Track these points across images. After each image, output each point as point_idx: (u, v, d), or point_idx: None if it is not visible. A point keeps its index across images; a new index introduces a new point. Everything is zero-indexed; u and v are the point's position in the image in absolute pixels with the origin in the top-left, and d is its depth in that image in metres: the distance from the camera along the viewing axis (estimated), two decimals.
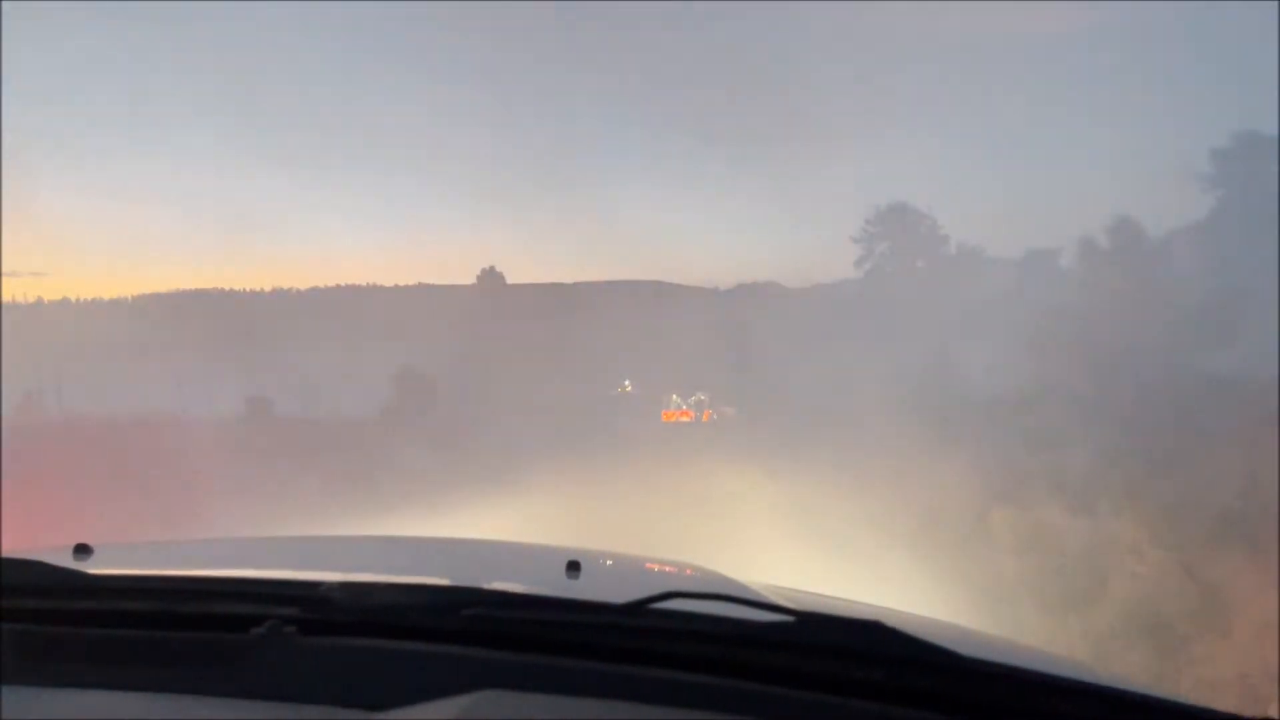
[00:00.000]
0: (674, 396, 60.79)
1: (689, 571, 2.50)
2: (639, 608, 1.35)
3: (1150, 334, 7.29)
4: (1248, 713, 1.25)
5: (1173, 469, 6.86)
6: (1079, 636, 6.06)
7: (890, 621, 1.30)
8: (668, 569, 2.59)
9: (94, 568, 1.61)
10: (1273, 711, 4.51)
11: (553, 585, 1.84)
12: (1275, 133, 41.98)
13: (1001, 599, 7.30)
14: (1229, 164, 45.61)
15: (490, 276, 36.58)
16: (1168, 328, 7.34)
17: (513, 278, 37.26)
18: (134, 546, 2.36)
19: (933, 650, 1.24)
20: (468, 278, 37.34)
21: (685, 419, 56.82)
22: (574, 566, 1.86)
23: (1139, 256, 7.68)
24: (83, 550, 1.82)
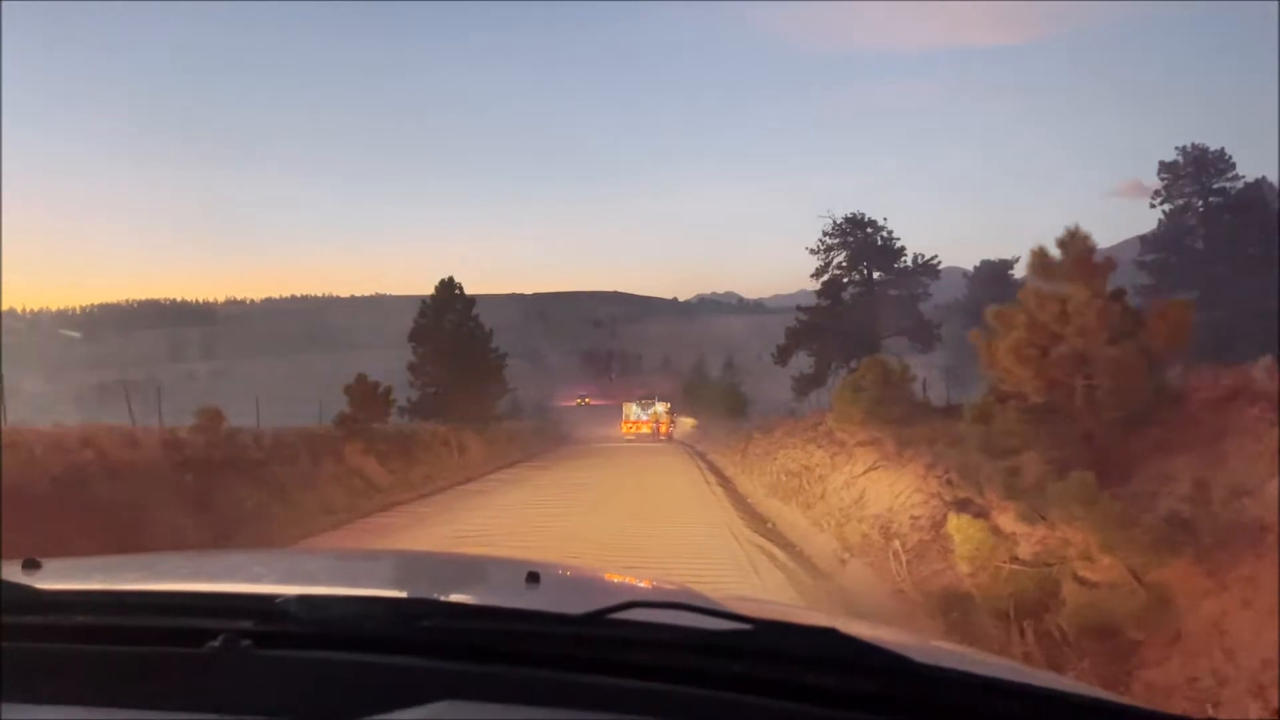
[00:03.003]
0: (633, 407, 61.05)
1: (648, 583, 2.53)
2: (598, 617, 1.35)
3: (1102, 343, 7.39)
4: (1195, 714, 1.28)
5: (1123, 476, 6.96)
6: (1031, 642, 6.11)
7: (846, 629, 1.33)
8: (627, 580, 2.60)
9: (43, 583, 1.59)
10: (1217, 712, 4.60)
11: (512, 596, 1.86)
12: (1220, 147, 42.99)
13: (954, 605, 7.35)
14: (1177, 176, 46.63)
15: (448, 287, 36.30)
16: (1119, 336, 7.45)
17: (472, 288, 37.04)
18: (84, 561, 2.34)
19: (885, 655, 1.27)
20: (426, 288, 37.12)
21: (645, 430, 56.95)
22: (533, 578, 1.86)
23: (1090, 266, 7.78)
24: (31, 565, 1.81)
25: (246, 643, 1.31)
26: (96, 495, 11.43)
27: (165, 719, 1.22)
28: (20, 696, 1.26)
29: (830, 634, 1.30)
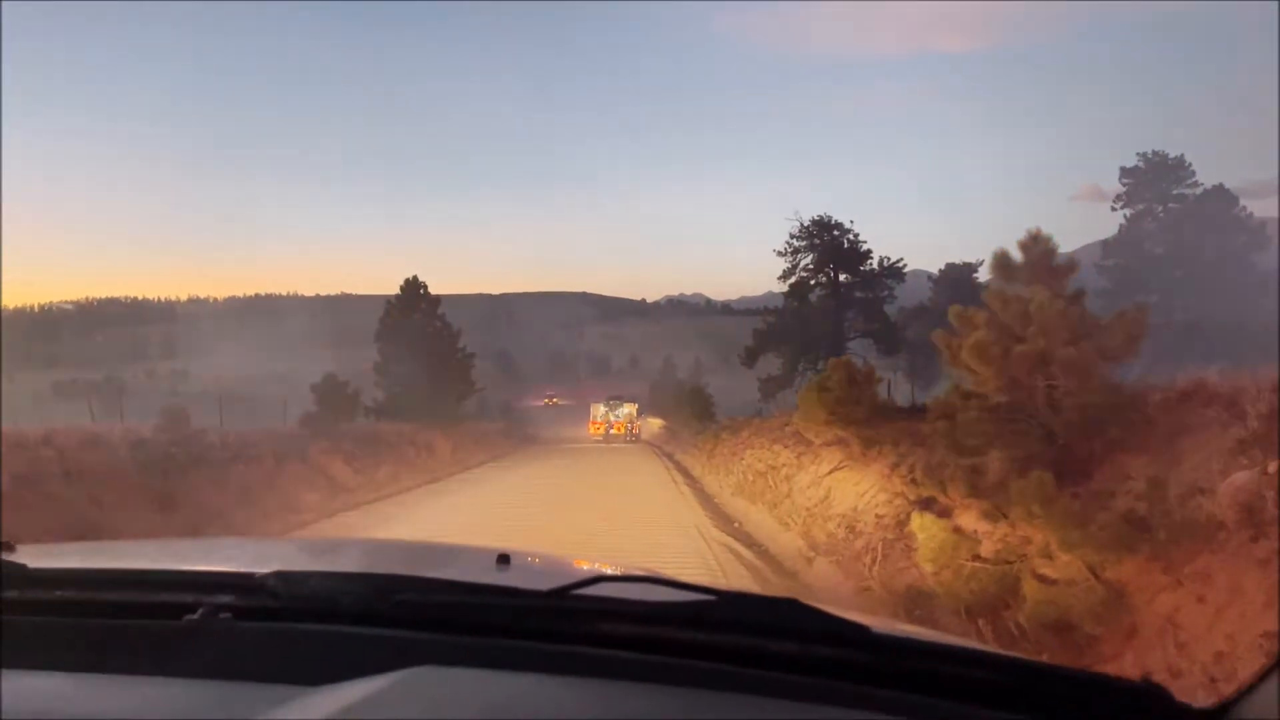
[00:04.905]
0: (600, 408, 60.97)
1: (616, 567, 2.57)
2: (566, 591, 1.39)
3: (1063, 343, 7.51)
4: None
5: (1083, 474, 7.07)
6: (990, 637, 6.20)
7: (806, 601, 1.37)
8: (596, 564, 2.65)
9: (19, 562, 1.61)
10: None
11: (484, 575, 1.89)
12: (1179, 154, 43.78)
13: (917, 602, 7.44)
14: (1138, 182, 47.31)
15: (413, 286, 36.08)
16: (1079, 338, 7.58)
17: (438, 288, 36.80)
18: (55, 547, 2.35)
19: (843, 624, 1.32)
20: (391, 288, 36.86)
21: (612, 430, 56.87)
22: (504, 559, 1.91)
23: (1051, 268, 7.92)
24: (4, 547, 1.81)
25: (226, 615, 1.34)
26: (58, 495, 11.27)
27: (144, 684, 1.25)
28: (7, 664, 1.28)
29: (791, 604, 1.34)
